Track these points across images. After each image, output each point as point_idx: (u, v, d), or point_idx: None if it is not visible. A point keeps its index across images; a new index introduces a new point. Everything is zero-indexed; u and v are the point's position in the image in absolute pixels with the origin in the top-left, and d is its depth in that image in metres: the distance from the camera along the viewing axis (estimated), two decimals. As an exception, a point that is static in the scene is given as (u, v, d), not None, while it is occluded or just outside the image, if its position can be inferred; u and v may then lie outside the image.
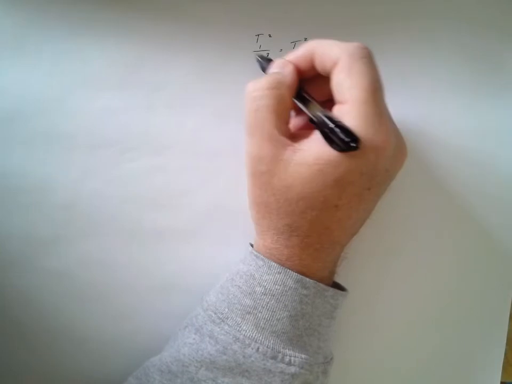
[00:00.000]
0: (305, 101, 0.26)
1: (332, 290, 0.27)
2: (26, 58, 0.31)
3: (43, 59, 0.31)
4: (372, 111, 0.23)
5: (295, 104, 0.27)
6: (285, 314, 0.25)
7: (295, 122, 0.29)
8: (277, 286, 0.25)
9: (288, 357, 0.25)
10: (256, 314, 0.25)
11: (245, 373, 0.25)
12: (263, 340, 0.25)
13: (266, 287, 0.26)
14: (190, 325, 0.27)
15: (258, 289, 0.26)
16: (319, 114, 0.24)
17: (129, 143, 0.31)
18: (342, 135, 0.22)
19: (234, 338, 0.25)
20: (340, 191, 0.24)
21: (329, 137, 0.23)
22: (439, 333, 0.32)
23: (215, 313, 0.26)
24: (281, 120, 0.25)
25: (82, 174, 0.31)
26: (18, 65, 0.31)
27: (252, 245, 0.28)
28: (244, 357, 0.25)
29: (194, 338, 0.26)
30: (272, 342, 0.25)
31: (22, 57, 0.31)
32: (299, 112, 0.29)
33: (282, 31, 0.31)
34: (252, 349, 0.24)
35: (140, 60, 0.31)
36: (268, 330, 0.25)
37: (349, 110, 0.23)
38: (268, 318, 0.25)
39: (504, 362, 0.32)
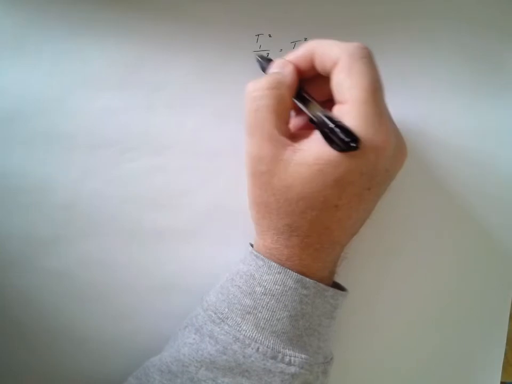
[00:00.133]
0: (305, 101, 0.26)
1: (332, 290, 0.27)
2: (26, 58, 0.31)
3: (43, 59, 0.31)
4: (372, 111, 0.23)
5: (295, 104, 0.27)
6: (285, 314, 0.25)
7: (295, 122, 0.29)
8: (277, 286, 0.25)
9: (288, 357, 0.25)
10: (256, 314, 0.25)
11: (245, 373, 0.25)
12: (263, 340, 0.25)
13: (266, 287, 0.26)
14: (190, 325, 0.27)
15: (258, 289, 0.26)
16: (319, 114, 0.24)
17: (129, 143, 0.31)
18: (342, 135, 0.22)
19: (234, 338, 0.25)
20: (340, 191, 0.24)
21: (329, 137, 0.23)
22: (439, 333, 0.32)
23: (215, 313, 0.26)
24: (281, 120, 0.25)
25: (82, 174, 0.31)
26: (18, 65, 0.31)
27: (252, 245, 0.28)
28: (244, 357, 0.24)
29: (194, 338, 0.26)
30: (272, 342, 0.25)
31: (22, 57, 0.31)
32: (299, 112, 0.28)
33: (282, 31, 0.31)
34: (252, 349, 0.24)
35: (140, 60, 0.31)
36: (268, 330, 0.25)
37: (349, 110, 0.23)
38: (268, 318, 0.25)
39: (504, 362, 0.32)
